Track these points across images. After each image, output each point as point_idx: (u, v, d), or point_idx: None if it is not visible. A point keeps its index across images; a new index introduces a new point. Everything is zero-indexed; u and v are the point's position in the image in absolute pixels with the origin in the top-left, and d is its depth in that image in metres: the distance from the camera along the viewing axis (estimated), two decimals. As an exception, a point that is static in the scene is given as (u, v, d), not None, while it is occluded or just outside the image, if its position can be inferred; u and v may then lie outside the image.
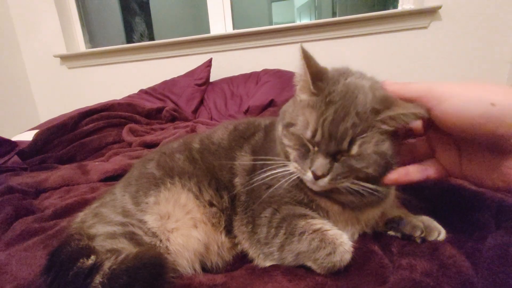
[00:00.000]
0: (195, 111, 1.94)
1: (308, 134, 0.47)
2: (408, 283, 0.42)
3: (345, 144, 0.44)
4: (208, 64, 2.06)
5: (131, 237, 0.50)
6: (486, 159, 0.45)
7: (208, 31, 2.28)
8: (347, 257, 0.48)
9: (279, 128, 0.54)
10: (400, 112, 0.44)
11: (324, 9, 4.08)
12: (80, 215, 0.61)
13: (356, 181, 0.47)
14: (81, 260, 0.41)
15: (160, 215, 0.54)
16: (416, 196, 0.69)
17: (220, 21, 2.25)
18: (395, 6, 2.05)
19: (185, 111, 1.87)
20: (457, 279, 0.41)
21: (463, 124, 0.41)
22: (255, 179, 0.55)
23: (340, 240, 0.48)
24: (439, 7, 1.80)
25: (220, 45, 2.19)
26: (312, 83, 0.48)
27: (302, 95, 0.51)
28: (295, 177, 0.51)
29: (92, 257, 0.42)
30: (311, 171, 0.46)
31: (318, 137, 0.46)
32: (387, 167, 0.48)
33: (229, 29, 2.26)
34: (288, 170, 0.51)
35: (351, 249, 0.48)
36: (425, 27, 1.89)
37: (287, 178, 0.51)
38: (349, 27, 1.99)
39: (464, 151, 0.48)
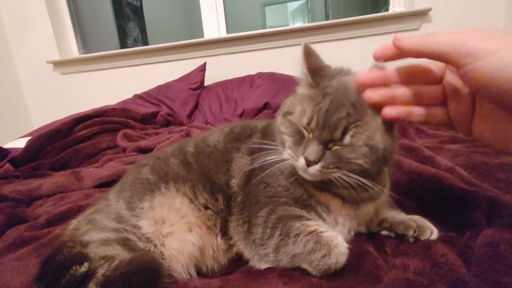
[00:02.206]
0: (190, 115, 1.93)
1: (304, 121, 0.49)
2: (402, 282, 0.42)
3: (338, 133, 0.46)
4: (202, 68, 2.06)
5: (125, 243, 0.50)
6: (505, 121, 0.42)
7: (202, 36, 2.29)
8: (343, 259, 0.48)
9: (279, 118, 0.56)
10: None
11: (317, 12, 4.12)
12: (74, 222, 0.61)
13: (348, 173, 0.47)
14: (74, 268, 0.40)
15: (155, 220, 0.54)
16: (409, 196, 0.70)
17: (213, 25, 2.26)
18: (387, 9, 2.08)
19: (179, 115, 1.87)
20: (450, 277, 0.41)
21: (499, 85, 0.37)
22: (254, 165, 0.56)
23: (335, 242, 0.48)
24: (429, 9, 1.83)
25: (214, 49, 2.19)
26: (310, 76, 0.51)
27: (301, 89, 0.55)
28: (288, 164, 0.52)
29: (85, 264, 0.41)
30: (304, 157, 0.47)
31: (313, 124, 0.47)
32: (380, 162, 0.49)
33: (223, 33, 2.28)
34: (282, 157, 0.52)
35: (347, 250, 0.49)
36: (416, 29, 1.92)
37: (280, 164, 0.52)
38: (342, 30, 2.01)
39: (481, 108, 0.44)
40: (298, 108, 0.51)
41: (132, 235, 0.52)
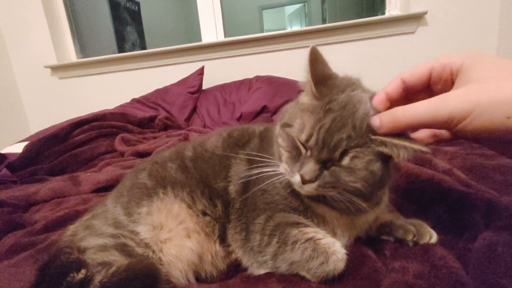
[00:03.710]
0: (188, 119, 1.93)
1: (303, 137, 0.46)
2: (401, 285, 0.42)
3: (337, 154, 0.44)
4: (200, 72, 2.07)
5: (123, 248, 0.50)
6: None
7: (200, 39, 2.30)
8: (341, 265, 0.48)
9: (277, 127, 0.54)
10: (394, 142, 0.42)
11: (314, 16, 4.16)
12: (71, 228, 0.60)
13: (342, 192, 0.46)
14: (71, 275, 0.40)
15: (153, 225, 0.54)
16: (407, 198, 0.70)
17: (211, 29, 2.27)
18: (383, 13, 2.10)
19: (178, 119, 1.87)
20: (448, 280, 0.41)
21: (488, 136, 0.39)
22: (249, 175, 0.55)
23: (333, 249, 0.48)
24: (425, 13, 1.85)
25: (212, 53, 2.20)
26: (314, 85, 0.48)
27: (304, 98, 0.51)
28: (283, 178, 0.50)
29: (83, 271, 0.41)
30: (300, 174, 0.46)
31: (312, 142, 0.45)
32: (376, 187, 0.48)
33: (221, 37, 2.28)
34: (278, 170, 0.51)
35: (345, 257, 0.48)
36: (412, 32, 1.94)
37: (275, 178, 0.51)
38: (339, 33, 2.02)
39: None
40: (298, 122, 0.48)
41: (130, 241, 0.51)
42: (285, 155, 0.50)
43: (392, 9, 2.03)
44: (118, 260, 0.47)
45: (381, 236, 0.58)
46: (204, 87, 2.11)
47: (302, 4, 4.46)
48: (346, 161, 0.44)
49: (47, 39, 2.30)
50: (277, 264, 0.50)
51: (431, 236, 0.53)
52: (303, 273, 0.49)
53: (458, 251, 0.50)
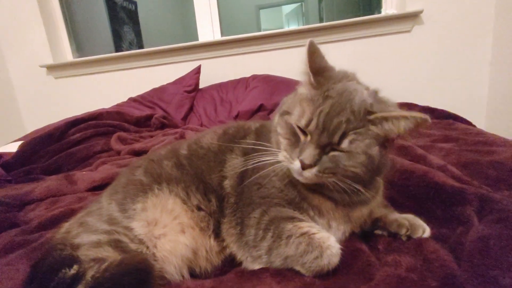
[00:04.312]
0: (185, 118, 1.93)
1: (303, 122, 0.47)
2: (393, 279, 0.42)
3: (336, 137, 0.45)
4: (197, 71, 2.06)
5: (117, 244, 0.50)
6: None
7: (197, 39, 2.29)
8: (335, 260, 0.48)
9: (276, 117, 0.55)
10: (394, 114, 0.44)
11: (311, 15, 4.15)
12: (65, 226, 0.60)
13: (342, 178, 0.47)
14: (63, 270, 0.40)
15: (147, 221, 0.54)
16: (401, 194, 0.70)
17: (208, 28, 2.27)
18: (380, 12, 2.10)
19: (174, 118, 1.86)
20: (440, 272, 0.42)
21: None
22: (248, 166, 0.55)
23: (327, 243, 0.48)
24: (421, 12, 1.86)
25: (209, 52, 2.20)
26: (312, 76, 0.50)
27: (302, 89, 0.53)
28: (280, 170, 0.51)
29: (75, 266, 0.41)
30: (299, 159, 0.47)
31: (312, 126, 0.46)
32: (374, 172, 0.49)
33: (217, 36, 2.28)
34: (277, 159, 0.51)
35: (339, 251, 0.49)
36: (408, 31, 1.94)
37: (272, 168, 0.51)
38: (335, 32, 2.03)
39: None
40: (298, 109, 0.50)
41: (124, 237, 0.51)
42: (284, 142, 0.51)
43: (388, 8, 2.03)
44: (112, 256, 0.47)
45: (375, 230, 0.59)
46: (201, 86, 2.10)
47: (299, 4, 4.46)
48: (345, 144, 0.45)
49: (43, 39, 2.28)
50: (272, 258, 0.51)
51: (424, 230, 0.54)
52: (297, 267, 0.49)
53: (451, 245, 0.50)
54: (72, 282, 0.38)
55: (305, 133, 0.48)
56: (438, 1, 1.86)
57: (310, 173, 0.47)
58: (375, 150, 0.46)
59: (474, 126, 1.28)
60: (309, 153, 0.46)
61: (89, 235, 0.52)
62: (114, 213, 0.56)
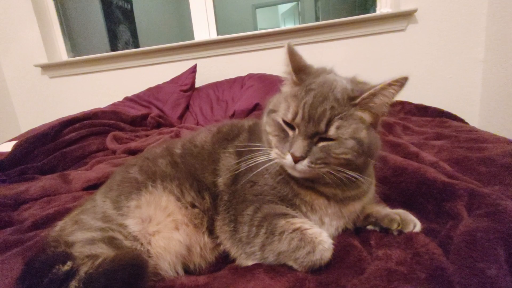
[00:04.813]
0: (181, 117, 1.93)
1: (289, 116, 0.49)
2: (384, 272, 0.43)
3: (322, 125, 0.47)
4: (193, 70, 2.06)
5: (111, 242, 0.50)
6: None
7: (193, 38, 2.29)
8: (327, 255, 0.49)
9: (264, 117, 0.57)
10: (379, 87, 0.46)
11: (307, 14, 4.16)
12: (60, 224, 0.60)
13: (336, 167, 0.48)
14: (56, 267, 0.40)
15: (142, 218, 0.54)
16: (394, 190, 0.71)
17: (204, 27, 2.27)
18: (375, 11, 2.11)
19: (170, 117, 1.86)
20: (429, 265, 0.42)
21: None
22: (241, 166, 0.56)
23: (319, 238, 0.49)
24: (415, 11, 1.87)
25: (205, 51, 2.19)
26: (294, 74, 0.53)
27: (286, 87, 0.56)
28: (275, 163, 0.52)
29: (69, 263, 0.41)
30: (290, 153, 0.48)
31: (298, 118, 0.48)
32: (366, 155, 0.50)
33: (213, 35, 2.28)
34: (269, 157, 0.52)
35: (331, 246, 0.50)
36: (402, 30, 1.96)
37: (265, 166, 0.53)
38: (331, 31, 2.03)
39: None
40: (283, 105, 0.51)
41: (118, 234, 0.51)
42: (274, 140, 0.52)
43: (383, 7, 2.05)
44: (106, 252, 0.48)
45: (367, 226, 0.59)
46: (197, 85, 2.10)
47: (295, 3, 4.46)
48: (332, 131, 0.47)
49: (37, 38, 2.27)
50: (265, 254, 0.51)
51: (415, 225, 0.55)
52: (290, 263, 0.50)
53: (440, 239, 0.51)
54: (66, 278, 0.39)
55: (292, 128, 0.50)
56: (432, 0, 1.87)
57: (302, 166, 0.48)
58: (363, 134, 0.48)
59: (467, 123, 1.30)
60: (299, 145, 0.47)
61: (83, 233, 0.52)
62: (109, 211, 0.56)
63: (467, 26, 1.85)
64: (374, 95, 0.47)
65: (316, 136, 0.48)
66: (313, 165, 0.47)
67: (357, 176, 0.49)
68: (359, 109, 0.48)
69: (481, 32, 1.84)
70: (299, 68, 0.53)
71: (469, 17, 1.84)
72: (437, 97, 1.89)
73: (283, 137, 0.51)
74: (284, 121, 0.51)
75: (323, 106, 0.47)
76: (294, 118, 0.49)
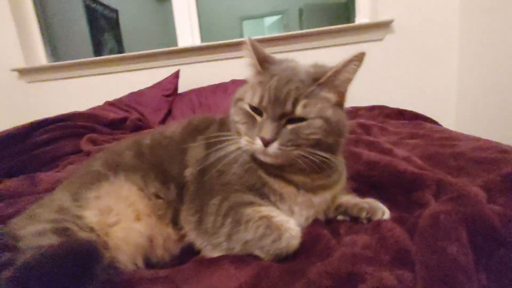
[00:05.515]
0: (163, 121, 1.90)
1: (256, 100, 0.50)
2: (349, 256, 0.42)
3: (289, 104, 0.47)
4: (176, 75, 2.05)
5: (63, 233, 0.46)
6: None
7: (177, 45, 2.29)
8: (294, 243, 0.47)
9: (232, 109, 0.57)
10: (341, 64, 0.48)
11: (292, 26, 4.28)
12: (14, 220, 0.56)
13: (309, 149, 0.48)
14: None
15: (100, 209, 0.51)
16: (367, 184, 0.71)
17: (187, 34, 2.28)
18: (354, 21, 2.19)
19: (152, 121, 1.83)
20: (394, 248, 0.42)
21: None
22: (210, 154, 0.56)
23: (286, 226, 0.47)
24: (392, 21, 1.95)
25: (188, 58, 2.20)
26: (258, 63, 0.54)
27: (251, 78, 0.57)
28: (244, 152, 0.52)
29: (7, 254, 0.37)
30: (260, 137, 0.47)
31: (265, 101, 0.48)
32: (336, 134, 0.50)
33: (197, 42, 2.29)
34: (238, 145, 0.52)
35: (299, 234, 0.48)
36: (380, 39, 2.03)
37: (236, 154, 0.52)
38: (313, 40, 2.09)
39: None
40: (249, 92, 0.52)
41: (72, 225, 0.48)
42: (242, 128, 0.52)
43: (362, 17, 2.13)
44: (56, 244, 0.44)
45: (337, 216, 0.59)
46: (180, 91, 2.09)
47: (280, 16, 4.59)
48: (299, 110, 0.47)
49: (14, 41, 2.21)
50: (231, 245, 0.49)
51: (384, 213, 0.54)
52: (257, 252, 0.48)
53: (408, 226, 0.50)
54: (1, 269, 0.35)
55: (260, 114, 0.50)
56: (407, 11, 1.96)
57: (273, 148, 0.47)
58: (330, 113, 0.49)
59: (441, 125, 1.33)
60: (267, 128, 0.47)
61: (34, 225, 0.49)
62: (65, 203, 0.53)
63: (441, 34, 1.95)
64: (338, 72, 0.49)
65: (284, 118, 0.48)
66: (283, 147, 0.47)
67: (330, 157, 0.49)
68: (324, 89, 0.49)
69: (454, 40, 1.93)
70: (262, 59, 0.55)
71: (442, 26, 1.94)
72: (414, 103, 1.95)
73: (252, 123, 0.51)
74: (252, 107, 0.51)
75: (288, 86, 0.48)
76: (261, 102, 0.49)
